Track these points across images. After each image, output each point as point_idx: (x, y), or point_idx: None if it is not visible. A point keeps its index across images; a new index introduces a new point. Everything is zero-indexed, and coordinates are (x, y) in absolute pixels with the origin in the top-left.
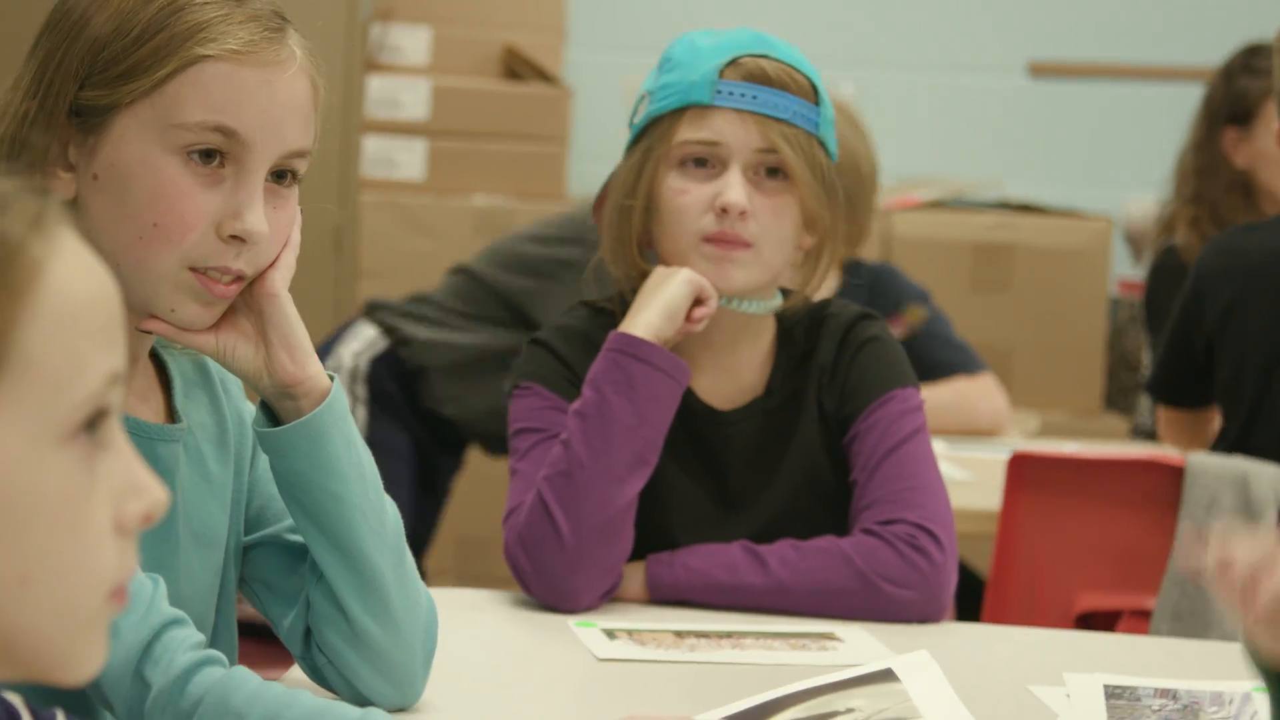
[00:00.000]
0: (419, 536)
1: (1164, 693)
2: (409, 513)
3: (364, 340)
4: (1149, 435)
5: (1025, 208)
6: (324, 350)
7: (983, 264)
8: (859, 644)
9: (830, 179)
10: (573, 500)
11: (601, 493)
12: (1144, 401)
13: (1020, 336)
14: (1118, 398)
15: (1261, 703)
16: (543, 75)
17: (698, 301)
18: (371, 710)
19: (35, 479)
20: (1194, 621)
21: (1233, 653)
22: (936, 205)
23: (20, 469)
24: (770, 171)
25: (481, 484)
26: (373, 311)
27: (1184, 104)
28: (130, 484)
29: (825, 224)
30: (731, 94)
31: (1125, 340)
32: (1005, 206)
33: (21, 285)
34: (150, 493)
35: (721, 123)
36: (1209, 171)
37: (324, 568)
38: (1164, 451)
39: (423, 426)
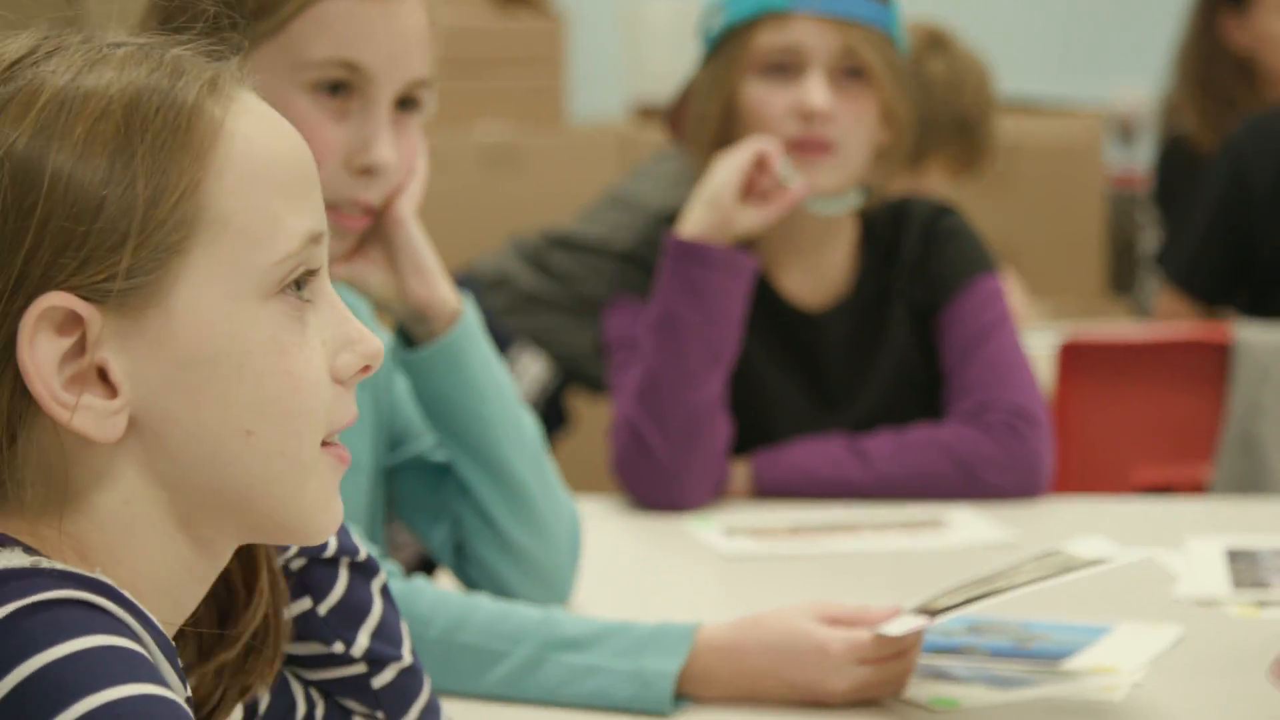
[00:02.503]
0: None
1: None
2: None
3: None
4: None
5: (1017, 107)
6: None
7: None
8: (970, 524)
9: (904, 75)
10: (657, 412)
11: (682, 398)
12: (1148, 284)
13: (1024, 231)
14: (1120, 282)
15: None
16: (533, 5)
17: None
18: (552, 607)
19: (244, 333)
20: (1252, 489)
21: None
22: None
23: (228, 324)
24: (849, 72)
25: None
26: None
27: None
28: (345, 337)
29: (902, 120)
30: None
31: (1120, 229)
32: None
33: (203, 146)
34: (366, 344)
35: (800, 28)
36: (1211, 58)
37: (470, 483)
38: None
39: None
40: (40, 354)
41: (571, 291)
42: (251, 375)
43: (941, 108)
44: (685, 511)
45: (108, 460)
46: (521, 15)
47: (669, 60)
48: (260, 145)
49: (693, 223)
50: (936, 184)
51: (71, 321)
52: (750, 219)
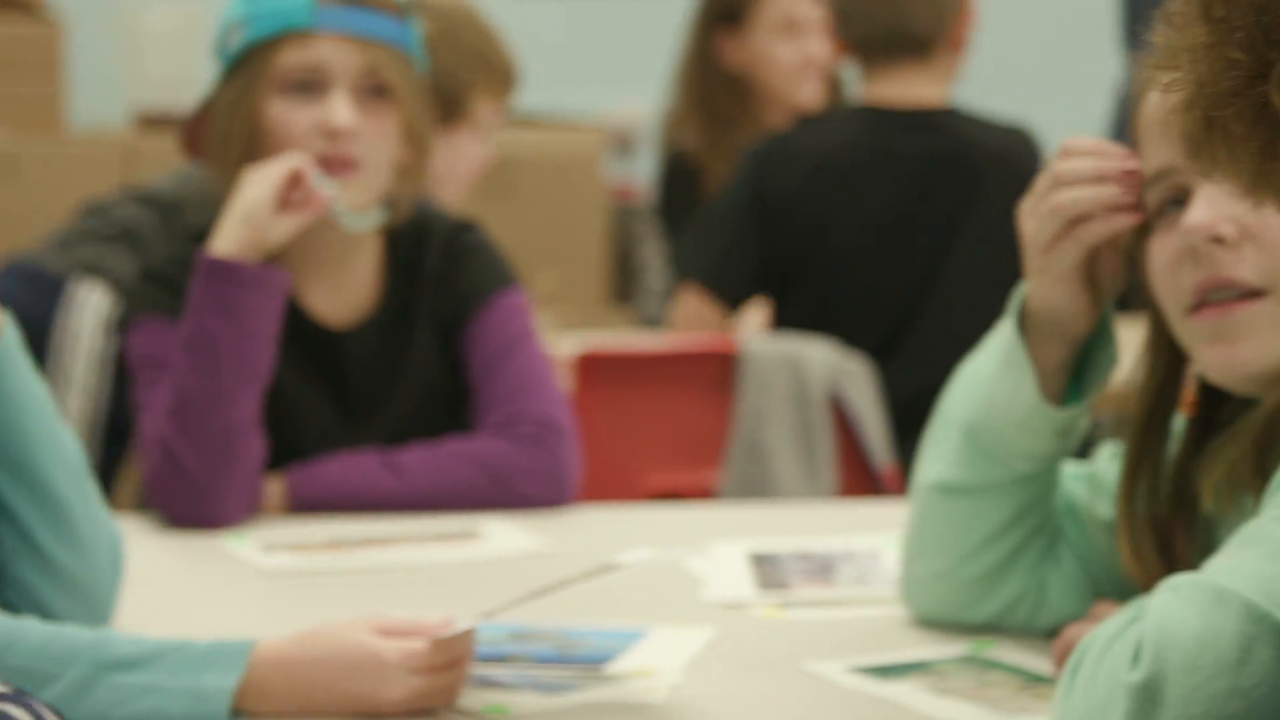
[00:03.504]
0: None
1: (803, 556)
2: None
3: (95, 312)
4: (655, 324)
5: (519, 121)
6: (45, 320)
7: (487, 176)
8: (503, 534)
9: (425, 93)
10: (192, 431)
11: (217, 416)
12: (648, 294)
13: (526, 242)
14: (622, 292)
15: (889, 556)
16: (27, 9)
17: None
18: (105, 628)
19: None
20: (757, 493)
21: (855, 513)
22: None
23: None
24: (372, 91)
25: None
26: (97, 268)
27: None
28: None
29: (423, 137)
30: (330, 18)
31: (620, 240)
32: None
33: None
34: None
35: (323, 47)
36: (708, 76)
37: (10, 501)
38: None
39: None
40: None
41: (109, 220)
42: None
43: (453, 55)
44: (220, 529)
45: None
46: (16, 20)
47: (170, 68)
48: None
49: (226, 241)
50: (487, 119)
51: None
52: (282, 228)
